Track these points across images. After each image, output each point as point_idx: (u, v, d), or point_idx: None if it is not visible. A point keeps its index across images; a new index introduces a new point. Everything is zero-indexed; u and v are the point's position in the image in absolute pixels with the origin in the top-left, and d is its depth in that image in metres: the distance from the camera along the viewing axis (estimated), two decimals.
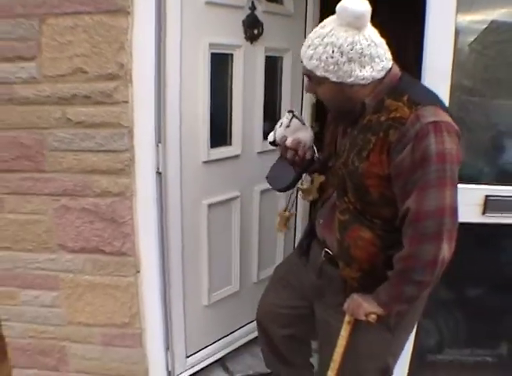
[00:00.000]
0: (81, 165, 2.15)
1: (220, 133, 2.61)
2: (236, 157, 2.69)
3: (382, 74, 1.56)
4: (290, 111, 1.92)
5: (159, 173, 2.28)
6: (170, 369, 2.61)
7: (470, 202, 2.10)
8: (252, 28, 2.55)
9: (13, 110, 2.09)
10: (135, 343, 2.41)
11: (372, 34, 1.52)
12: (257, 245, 2.97)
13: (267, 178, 2.02)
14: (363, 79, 1.54)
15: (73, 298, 2.35)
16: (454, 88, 2.02)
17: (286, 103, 2.93)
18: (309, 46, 1.56)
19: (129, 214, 2.21)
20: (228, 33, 2.47)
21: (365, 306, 1.68)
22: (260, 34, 2.60)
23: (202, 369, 2.80)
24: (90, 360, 2.46)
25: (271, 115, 2.86)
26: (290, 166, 1.92)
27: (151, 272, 2.34)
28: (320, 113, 1.83)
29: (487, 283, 2.47)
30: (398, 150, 1.49)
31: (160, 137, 2.24)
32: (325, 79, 1.57)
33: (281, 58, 2.85)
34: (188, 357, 2.70)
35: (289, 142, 1.85)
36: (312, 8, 2.96)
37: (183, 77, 2.27)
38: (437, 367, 2.60)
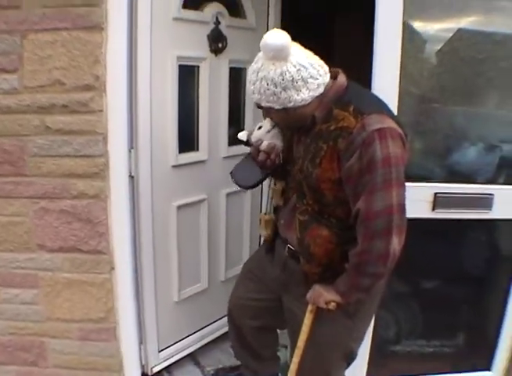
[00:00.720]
0: (60, 170, 2.23)
1: (188, 139, 2.70)
2: (203, 162, 2.78)
3: (321, 89, 1.66)
4: None
5: (131, 177, 2.38)
6: (144, 362, 2.68)
7: (420, 199, 2.23)
8: (217, 42, 2.66)
9: None
10: (110, 337, 2.47)
11: (299, 58, 1.61)
12: (224, 245, 3.05)
13: (231, 173, 2.05)
14: (302, 101, 1.64)
15: (51, 295, 2.41)
16: (403, 96, 2.14)
17: (249, 111, 3.02)
18: (249, 82, 1.68)
19: (104, 214, 2.30)
20: (195, 46, 2.57)
21: (325, 295, 1.79)
22: (224, 47, 2.71)
23: (174, 363, 2.88)
24: (68, 355, 2.51)
25: (235, 122, 2.96)
26: (257, 167, 1.97)
27: (124, 269, 2.42)
28: None
29: (439, 275, 2.58)
30: (347, 157, 1.60)
31: (132, 143, 2.35)
32: (270, 108, 1.70)
33: (244, 69, 2.88)
34: (160, 351, 2.77)
35: (264, 145, 1.91)
36: (274, 21, 3.06)
37: (153, 88, 2.37)
38: (395, 358, 2.70)
